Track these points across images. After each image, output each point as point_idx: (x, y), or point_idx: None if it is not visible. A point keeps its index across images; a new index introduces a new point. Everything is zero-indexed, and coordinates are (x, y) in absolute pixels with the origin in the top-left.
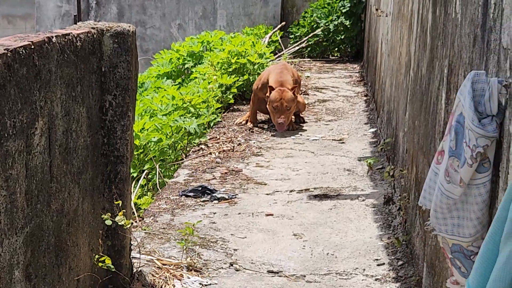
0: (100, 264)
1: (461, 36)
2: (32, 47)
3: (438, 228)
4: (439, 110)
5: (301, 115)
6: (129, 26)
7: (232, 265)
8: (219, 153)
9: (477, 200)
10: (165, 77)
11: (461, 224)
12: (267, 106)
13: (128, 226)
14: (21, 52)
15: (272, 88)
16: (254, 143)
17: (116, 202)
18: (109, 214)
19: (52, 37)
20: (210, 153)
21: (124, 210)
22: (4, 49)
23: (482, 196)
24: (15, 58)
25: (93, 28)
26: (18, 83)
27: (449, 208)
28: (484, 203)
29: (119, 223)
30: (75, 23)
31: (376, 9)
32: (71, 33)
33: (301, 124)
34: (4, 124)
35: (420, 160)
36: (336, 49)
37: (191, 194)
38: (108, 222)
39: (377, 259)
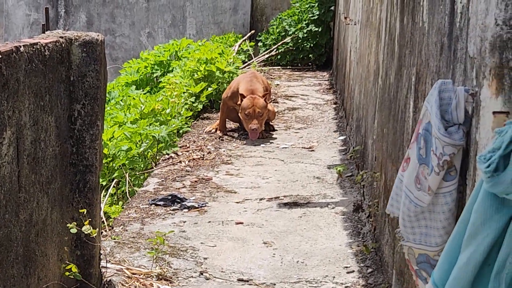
0: (67, 273)
1: (428, 45)
2: (0, 56)
3: (406, 236)
4: (407, 118)
5: (271, 123)
6: (98, 35)
7: (202, 273)
8: (189, 161)
9: (443, 209)
10: (134, 86)
11: (428, 233)
12: (239, 113)
13: (95, 235)
14: None
15: (243, 96)
16: (224, 151)
17: (81, 210)
18: (75, 223)
19: (20, 46)
20: (180, 162)
21: (90, 219)
22: None
23: (448, 205)
24: None
25: (61, 37)
26: None
27: (417, 216)
28: (450, 212)
29: (86, 232)
30: (44, 32)
31: (345, 17)
32: (39, 42)
33: (271, 132)
34: None
35: (388, 168)
36: (306, 57)
37: (161, 203)
38: (73, 231)
39: (346, 267)
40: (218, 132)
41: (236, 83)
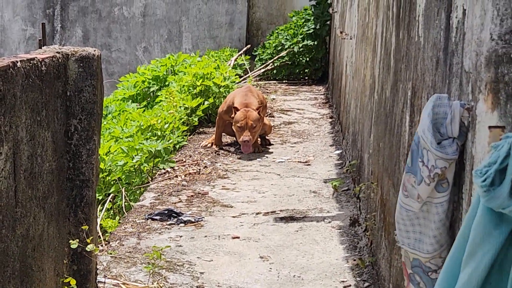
0: (65, 287)
1: (424, 59)
2: None
3: (401, 240)
4: (403, 132)
5: (267, 138)
6: (94, 50)
7: None
8: (185, 176)
9: (434, 218)
10: (130, 101)
11: (421, 240)
12: (233, 126)
13: (97, 252)
14: None
15: (236, 109)
16: (220, 165)
17: (84, 227)
18: (77, 240)
19: (17, 61)
20: (176, 176)
21: (91, 235)
22: None
23: (439, 215)
24: None
25: (58, 52)
26: None
27: (411, 221)
28: (441, 222)
29: (89, 250)
30: (40, 47)
31: (341, 32)
32: (36, 57)
33: (267, 147)
34: None
35: (385, 182)
36: (302, 71)
37: (157, 217)
38: (74, 246)
39: (343, 281)
40: (214, 146)
41: (232, 97)
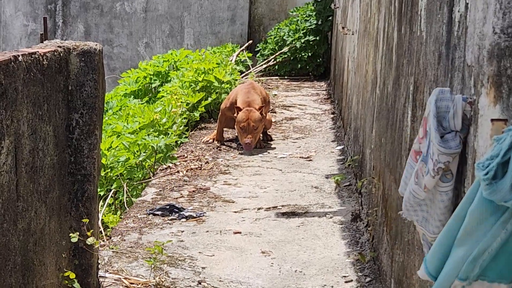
0: (66, 281)
1: (426, 54)
2: None
3: (410, 216)
4: (405, 127)
5: (268, 133)
6: (96, 45)
7: (200, 283)
8: (186, 171)
9: (440, 205)
10: (132, 96)
11: (428, 219)
12: (235, 126)
13: (93, 244)
14: None
15: (239, 109)
16: (221, 161)
17: (84, 220)
18: (77, 233)
19: (19, 55)
20: (178, 172)
21: (92, 229)
22: None
23: (444, 203)
24: None
25: (59, 46)
26: None
27: (418, 203)
28: (446, 208)
29: (90, 243)
30: (42, 42)
31: (343, 27)
32: (38, 52)
33: (269, 142)
34: None
35: (387, 177)
36: (303, 67)
37: (159, 212)
38: (74, 240)
39: (345, 276)
40: (215, 142)
41: (234, 94)
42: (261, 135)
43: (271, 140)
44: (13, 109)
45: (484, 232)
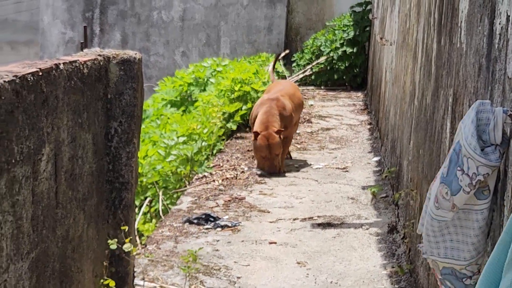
0: None
1: (466, 66)
2: (40, 73)
3: (430, 251)
4: (444, 139)
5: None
6: (135, 54)
7: None
8: (222, 180)
9: (473, 225)
10: (169, 105)
11: (457, 248)
12: (253, 152)
13: (135, 253)
14: (29, 79)
15: (256, 134)
16: (257, 170)
17: (122, 228)
18: (116, 240)
19: (60, 64)
20: (213, 181)
21: (126, 237)
22: (13, 76)
23: (479, 223)
24: (23, 85)
25: (99, 55)
26: (26, 109)
27: (442, 231)
28: (480, 229)
29: (126, 250)
30: (82, 50)
31: (381, 38)
32: (78, 60)
33: (288, 158)
34: (12, 150)
35: (424, 189)
36: (340, 77)
37: (195, 221)
38: (113, 247)
39: None
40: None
41: (256, 110)
42: (282, 160)
43: (291, 157)
44: (54, 117)
45: None
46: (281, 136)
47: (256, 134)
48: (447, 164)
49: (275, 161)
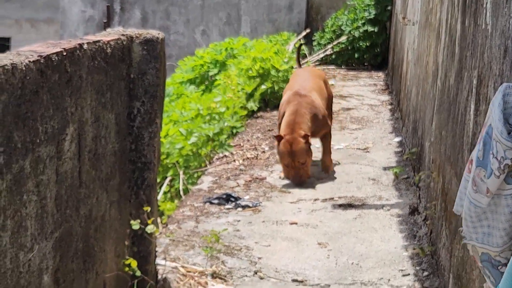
0: (126, 268)
1: (491, 47)
2: (64, 53)
3: (469, 236)
4: (467, 121)
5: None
6: (158, 34)
7: (256, 273)
8: (243, 160)
9: (504, 211)
10: (189, 84)
11: (491, 233)
12: (278, 157)
13: (157, 234)
14: (53, 59)
15: (280, 138)
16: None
17: (145, 208)
18: (139, 220)
19: (83, 44)
20: (234, 161)
21: (148, 216)
22: (38, 56)
23: (510, 207)
24: (47, 65)
25: (122, 35)
26: (50, 89)
27: (479, 216)
28: (511, 214)
29: (150, 232)
30: (105, 30)
31: (403, 18)
32: (102, 40)
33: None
34: (36, 130)
35: (447, 171)
36: (361, 57)
37: (215, 201)
38: (136, 227)
39: (402, 270)
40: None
41: (283, 108)
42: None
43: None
44: (78, 97)
45: None
46: (310, 141)
47: (279, 138)
48: (481, 147)
49: (300, 171)
